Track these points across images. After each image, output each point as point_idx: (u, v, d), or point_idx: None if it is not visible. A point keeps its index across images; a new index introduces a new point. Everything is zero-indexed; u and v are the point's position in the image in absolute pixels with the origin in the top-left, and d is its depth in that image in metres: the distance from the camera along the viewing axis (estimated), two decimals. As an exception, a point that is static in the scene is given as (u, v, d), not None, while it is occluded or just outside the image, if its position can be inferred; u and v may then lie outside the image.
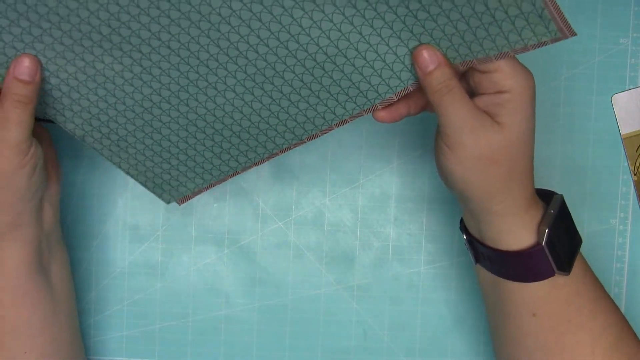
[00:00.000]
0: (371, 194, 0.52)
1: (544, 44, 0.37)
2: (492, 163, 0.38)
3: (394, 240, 0.52)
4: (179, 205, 0.48)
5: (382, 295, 0.52)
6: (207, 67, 0.41)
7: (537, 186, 0.51)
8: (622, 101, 0.51)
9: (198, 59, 0.41)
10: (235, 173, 0.47)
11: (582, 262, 0.42)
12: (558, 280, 0.40)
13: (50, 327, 0.44)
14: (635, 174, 0.51)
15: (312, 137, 0.44)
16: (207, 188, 0.47)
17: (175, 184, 0.47)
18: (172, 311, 0.52)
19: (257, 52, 0.40)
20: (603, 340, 0.40)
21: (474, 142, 0.37)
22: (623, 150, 0.51)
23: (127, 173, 0.46)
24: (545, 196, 0.42)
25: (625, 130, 0.51)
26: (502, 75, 0.37)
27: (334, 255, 0.52)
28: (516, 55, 0.38)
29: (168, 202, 0.48)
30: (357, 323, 0.52)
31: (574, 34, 0.36)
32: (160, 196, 0.48)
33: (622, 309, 0.52)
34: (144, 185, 0.47)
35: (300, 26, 0.39)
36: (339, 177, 0.52)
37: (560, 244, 0.40)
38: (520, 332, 0.41)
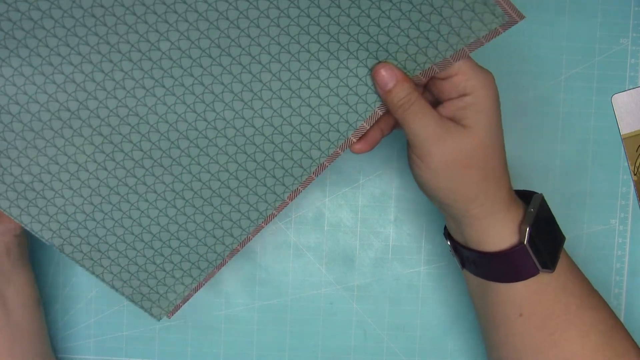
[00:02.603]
0: (371, 194, 0.52)
1: (497, 33, 0.36)
2: (464, 167, 0.38)
3: (394, 240, 0.52)
4: (169, 317, 0.46)
5: (382, 295, 0.52)
6: (179, 146, 0.40)
7: (537, 186, 0.51)
8: (622, 101, 0.51)
9: (159, 131, 0.40)
10: (223, 263, 0.45)
11: (567, 259, 0.42)
12: (543, 278, 0.40)
13: (6, 357, 0.44)
14: (635, 174, 0.51)
15: (294, 195, 0.43)
16: (196, 289, 0.45)
17: (163, 289, 0.45)
18: (172, 311, 0.53)
19: (221, 100, 0.40)
20: (592, 337, 0.40)
21: (442, 150, 0.38)
22: (623, 150, 0.51)
23: (112, 286, 0.44)
24: (526, 197, 0.42)
25: (625, 130, 0.51)
26: (463, 77, 0.38)
27: (334, 255, 0.52)
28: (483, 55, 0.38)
29: (159, 318, 0.46)
30: (357, 323, 0.52)
31: (522, 16, 0.35)
32: (149, 311, 0.45)
33: (622, 309, 0.52)
34: (131, 299, 0.45)
35: (260, 63, 0.39)
36: (339, 177, 0.52)
37: (543, 242, 0.40)
38: (509, 333, 0.41)
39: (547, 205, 0.42)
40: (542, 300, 0.40)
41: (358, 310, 0.52)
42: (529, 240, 0.39)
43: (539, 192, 0.43)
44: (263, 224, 0.43)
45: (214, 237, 0.43)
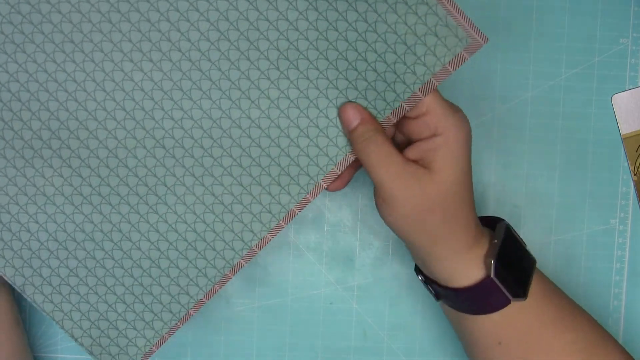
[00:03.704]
0: (371, 194, 0.52)
1: (462, 58, 0.36)
2: (429, 212, 0.37)
3: (394, 240, 0.52)
4: None
5: (382, 295, 0.52)
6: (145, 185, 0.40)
7: (537, 186, 0.51)
8: (622, 101, 0.51)
9: (133, 173, 0.40)
10: (187, 315, 0.43)
11: (541, 281, 0.42)
12: (516, 306, 0.40)
13: None
14: (635, 174, 0.51)
15: (263, 244, 0.41)
16: (158, 345, 0.43)
17: (123, 342, 0.42)
18: (172, 311, 0.52)
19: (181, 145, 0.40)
20: (575, 356, 0.39)
21: (408, 194, 0.37)
22: (623, 150, 0.51)
23: (71, 335, 0.42)
24: (493, 222, 0.42)
25: (625, 130, 0.51)
26: (434, 117, 0.37)
27: (334, 255, 0.52)
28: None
29: None
30: (357, 323, 0.52)
31: (485, 39, 0.35)
32: None
33: (622, 309, 0.52)
34: (90, 352, 0.42)
35: (230, 99, 0.38)
36: (339, 177, 0.52)
37: (511, 272, 0.39)
38: None
39: (512, 233, 0.42)
40: (519, 328, 0.40)
41: (358, 310, 0.52)
42: (495, 273, 0.38)
43: (504, 220, 0.42)
44: (230, 274, 0.42)
45: (179, 285, 0.42)
